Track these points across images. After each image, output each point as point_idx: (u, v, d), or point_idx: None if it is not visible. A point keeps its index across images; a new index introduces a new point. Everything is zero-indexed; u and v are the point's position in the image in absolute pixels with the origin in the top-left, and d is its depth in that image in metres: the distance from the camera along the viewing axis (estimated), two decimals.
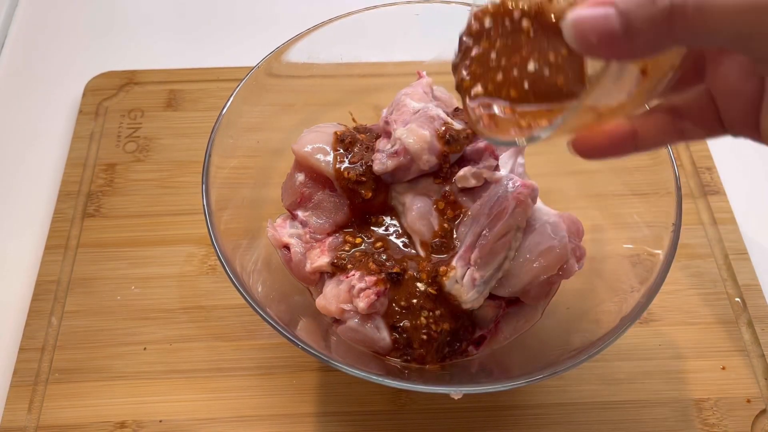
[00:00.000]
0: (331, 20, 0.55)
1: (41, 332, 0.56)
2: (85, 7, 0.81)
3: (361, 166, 0.49)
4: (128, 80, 0.72)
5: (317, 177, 0.50)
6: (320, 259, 0.48)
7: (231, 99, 0.51)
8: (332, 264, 0.48)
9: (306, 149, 0.50)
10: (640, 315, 0.43)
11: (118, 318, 0.57)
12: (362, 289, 0.45)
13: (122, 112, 0.70)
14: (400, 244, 0.49)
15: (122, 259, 0.60)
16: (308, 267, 0.49)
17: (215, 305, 0.57)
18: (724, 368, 0.55)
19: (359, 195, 0.49)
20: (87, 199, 0.63)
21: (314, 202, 0.50)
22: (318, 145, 0.50)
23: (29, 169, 0.67)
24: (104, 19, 0.80)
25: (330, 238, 0.49)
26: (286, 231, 0.50)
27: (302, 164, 0.50)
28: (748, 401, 0.53)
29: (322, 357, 0.41)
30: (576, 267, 0.48)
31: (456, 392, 0.42)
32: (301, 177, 0.50)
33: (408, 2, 0.56)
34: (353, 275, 0.46)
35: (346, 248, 0.48)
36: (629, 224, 0.52)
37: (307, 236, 0.50)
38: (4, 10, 0.79)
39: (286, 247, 0.50)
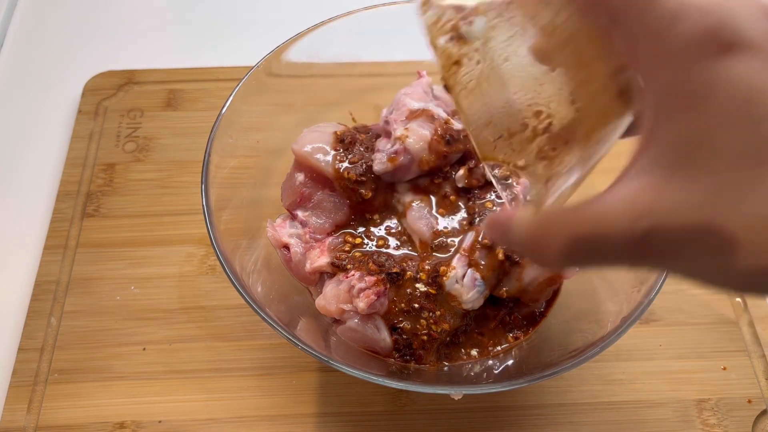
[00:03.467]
0: (331, 20, 0.55)
1: (40, 332, 0.56)
2: (85, 7, 0.81)
3: (361, 166, 0.49)
4: (127, 80, 0.72)
5: (317, 177, 0.50)
6: (320, 259, 0.48)
7: (231, 99, 0.51)
8: (332, 264, 0.48)
9: (306, 149, 0.49)
10: (641, 315, 0.43)
11: (118, 318, 0.57)
12: (362, 289, 0.45)
13: (121, 112, 0.69)
14: (400, 244, 0.49)
15: (121, 259, 0.60)
16: (308, 267, 0.48)
17: (215, 305, 0.57)
18: (724, 368, 0.54)
19: (359, 195, 0.49)
20: (86, 198, 0.63)
21: (314, 202, 0.50)
22: (318, 145, 0.50)
23: (29, 169, 0.67)
24: (104, 19, 0.80)
25: (330, 238, 0.49)
26: (285, 231, 0.50)
27: (302, 164, 0.50)
28: (749, 402, 0.53)
29: (322, 357, 0.41)
30: (577, 268, 0.48)
31: (456, 392, 0.42)
32: (300, 177, 0.50)
33: (408, 1, 0.56)
34: (353, 275, 0.46)
35: (346, 248, 0.48)
36: None
37: (307, 236, 0.50)
38: (3, 10, 0.79)
39: (286, 247, 0.50)
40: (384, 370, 0.46)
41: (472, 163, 0.49)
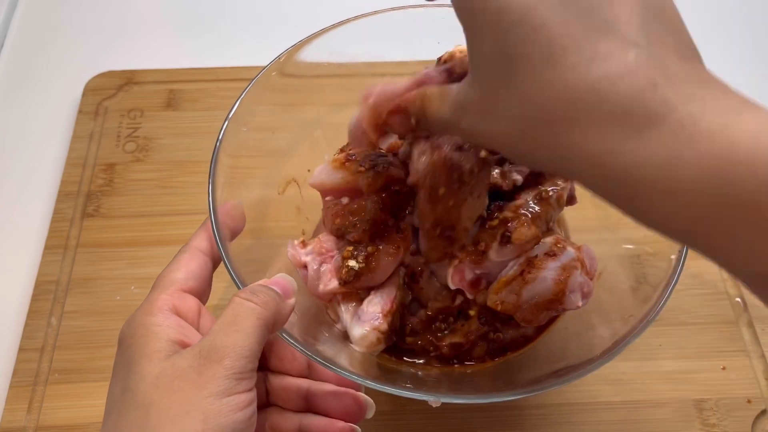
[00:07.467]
0: (342, 23, 0.54)
1: (41, 332, 0.56)
2: (85, 7, 0.81)
3: (365, 162, 0.47)
4: (128, 80, 0.72)
5: (343, 192, 0.48)
6: (331, 282, 0.46)
7: (241, 97, 0.50)
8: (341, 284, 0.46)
9: (317, 178, 0.48)
10: (653, 319, 0.43)
11: (118, 318, 0.56)
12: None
13: (122, 112, 0.69)
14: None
15: (122, 259, 0.60)
16: (320, 289, 0.46)
17: (215, 305, 0.57)
18: (724, 368, 0.55)
19: (358, 192, 0.48)
20: (86, 199, 0.63)
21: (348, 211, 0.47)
22: (323, 166, 0.48)
23: (29, 169, 0.67)
24: (104, 19, 0.80)
25: (336, 256, 0.47)
26: (304, 251, 0.48)
27: (326, 191, 0.48)
28: (749, 402, 0.53)
29: (321, 360, 0.41)
30: (579, 303, 0.45)
31: (435, 400, 0.40)
32: (345, 199, 0.47)
33: (423, 6, 0.55)
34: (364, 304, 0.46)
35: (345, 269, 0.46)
36: (629, 224, 0.51)
37: (322, 249, 0.47)
38: (4, 10, 0.79)
39: (305, 266, 0.47)
40: (382, 372, 0.46)
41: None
